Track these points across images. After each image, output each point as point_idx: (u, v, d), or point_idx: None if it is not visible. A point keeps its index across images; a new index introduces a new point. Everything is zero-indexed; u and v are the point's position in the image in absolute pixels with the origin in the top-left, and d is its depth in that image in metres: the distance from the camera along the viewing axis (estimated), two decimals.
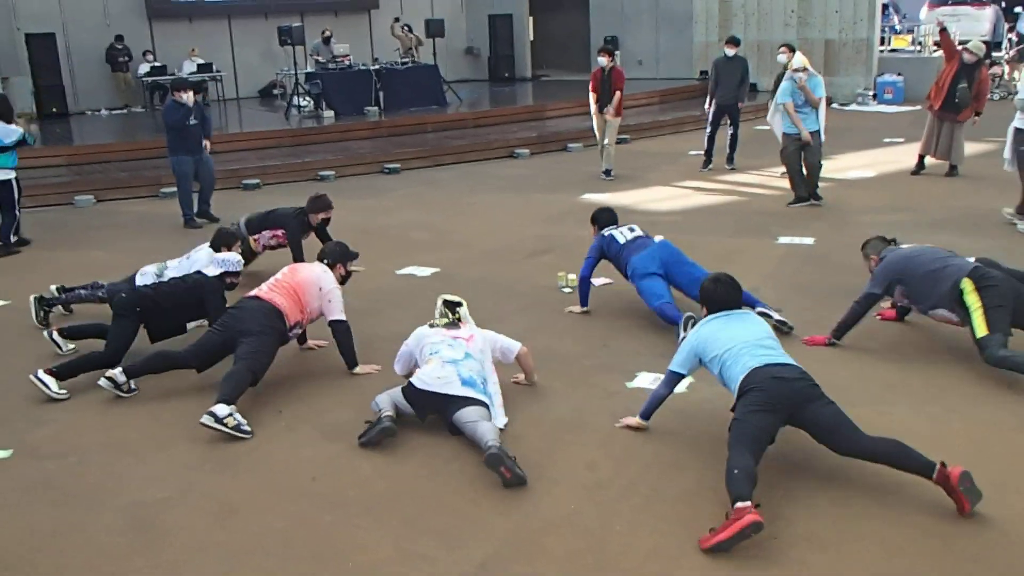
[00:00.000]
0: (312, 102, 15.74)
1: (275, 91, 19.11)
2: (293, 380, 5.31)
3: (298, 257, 6.97)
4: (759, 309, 5.46)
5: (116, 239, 9.11)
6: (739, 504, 3.42)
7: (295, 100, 16.02)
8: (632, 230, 6.28)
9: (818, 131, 9.29)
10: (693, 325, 4.60)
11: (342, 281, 5.45)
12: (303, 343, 5.78)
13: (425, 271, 7.48)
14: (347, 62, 16.32)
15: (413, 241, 8.58)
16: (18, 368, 5.49)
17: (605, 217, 6.43)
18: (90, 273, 7.11)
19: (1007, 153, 8.18)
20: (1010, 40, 22.62)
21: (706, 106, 11.68)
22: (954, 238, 7.05)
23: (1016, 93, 7.93)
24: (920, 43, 20.19)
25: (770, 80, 13.24)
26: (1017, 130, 7.95)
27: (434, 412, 4.51)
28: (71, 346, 5.75)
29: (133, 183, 11.40)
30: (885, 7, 22.53)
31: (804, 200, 9.30)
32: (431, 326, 4.88)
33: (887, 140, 13.38)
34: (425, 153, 13.01)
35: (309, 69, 16.38)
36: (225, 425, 4.50)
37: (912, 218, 8.54)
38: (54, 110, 16.62)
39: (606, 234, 6.25)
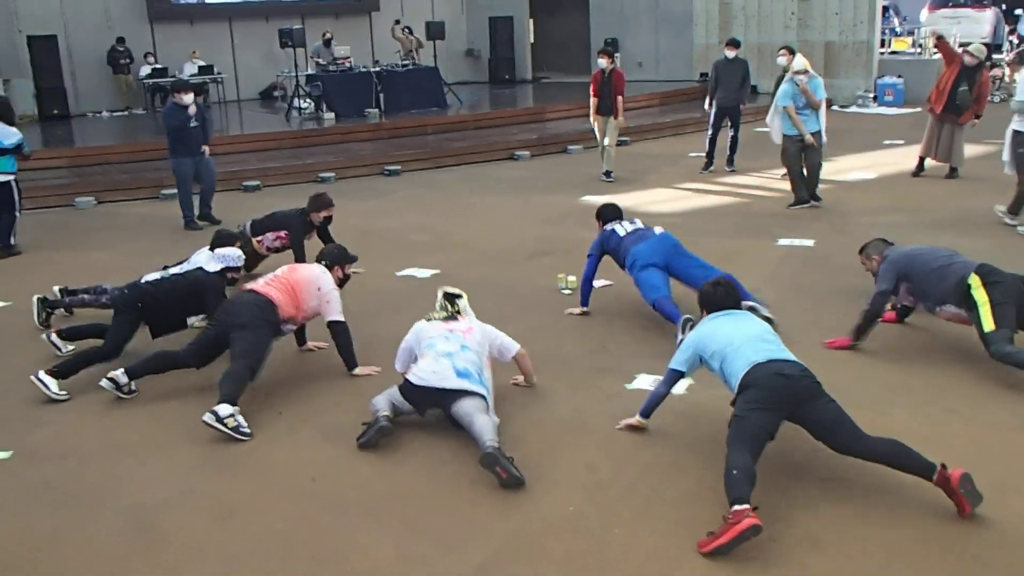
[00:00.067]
0: (313, 104, 15.76)
1: (276, 93, 19.14)
2: (293, 382, 5.31)
3: (300, 257, 6.97)
4: (747, 303, 5.47)
5: (117, 241, 9.11)
6: (736, 507, 3.41)
7: (296, 102, 16.03)
8: (632, 223, 6.27)
9: (819, 132, 9.30)
10: (692, 327, 4.60)
11: (341, 283, 5.45)
12: (302, 345, 5.78)
13: (425, 273, 7.49)
14: (348, 64, 16.34)
15: (413, 243, 8.58)
16: (18, 369, 5.49)
17: (609, 212, 6.42)
18: (91, 274, 7.12)
19: (1006, 156, 8.20)
20: (1011, 42, 22.64)
21: (705, 106, 11.70)
22: (954, 239, 7.05)
23: (1016, 95, 7.95)
24: (920, 45, 20.20)
25: (770, 82, 13.25)
26: (1015, 132, 7.97)
27: (433, 407, 4.51)
28: (70, 347, 5.75)
29: (134, 185, 11.41)
30: (885, 9, 22.54)
31: (804, 202, 9.31)
32: (429, 320, 4.88)
33: (887, 142, 13.38)
34: (425, 155, 13.02)
35: (310, 71, 16.39)
36: (225, 425, 4.50)
37: (912, 219, 8.54)
38: (55, 112, 16.66)
39: (607, 228, 6.24)
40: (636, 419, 4.43)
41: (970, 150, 10.84)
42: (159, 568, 3.53)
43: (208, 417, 4.51)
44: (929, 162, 10.67)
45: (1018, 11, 23.43)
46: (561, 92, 18.66)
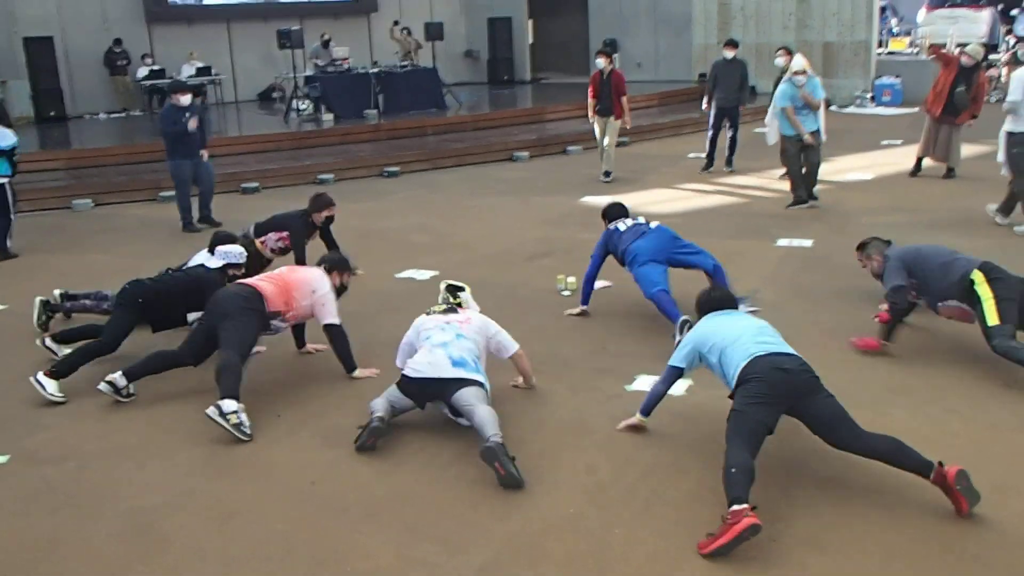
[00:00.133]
0: (311, 105, 15.75)
1: (274, 95, 19.13)
2: (293, 384, 5.31)
3: (300, 258, 6.98)
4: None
5: (115, 243, 9.10)
6: (735, 507, 3.40)
7: (294, 103, 16.03)
8: (635, 220, 6.28)
9: (818, 131, 9.30)
10: (689, 328, 4.60)
11: (339, 292, 5.41)
12: (302, 347, 5.77)
13: (425, 274, 7.48)
14: (346, 65, 16.34)
15: (413, 244, 8.58)
16: (16, 372, 5.49)
17: (614, 211, 6.43)
18: (89, 277, 7.12)
19: (1001, 157, 8.21)
20: (1007, 43, 22.64)
21: (703, 106, 11.72)
22: (952, 239, 7.04)
23: (1009, 96, 7.96)
24: (918, 46, 20.21)
25: (769, 82, 13.24)
26: (1008, 133, 7.99)
27: (432, 399, 4.50)
28: (66, 351, 5.73)
29: (132, 187, 11.39)
30: (883, 9, 22.55)
31: (803, 202, 9.31)
32: (429, 313, 4.88)
33: (885, 142, 13.39)
34: (425, 156, 13.01)
35: (308, 72, 16.39)
36: (228, 421, 4.48)
37: (911, 219, 8.54)
38: (52, 114, 16.63)
39: (610, 227, 6.25)
40: (636, 418, 4.43)
41: (968, 150, 10.86)
42: (159, 570, 3.52)
43: (211, 411, 4.50)
44: (927, 162, 10.68)
45: (1014, 11, 23.43)
46: (560, 93, 18.65)
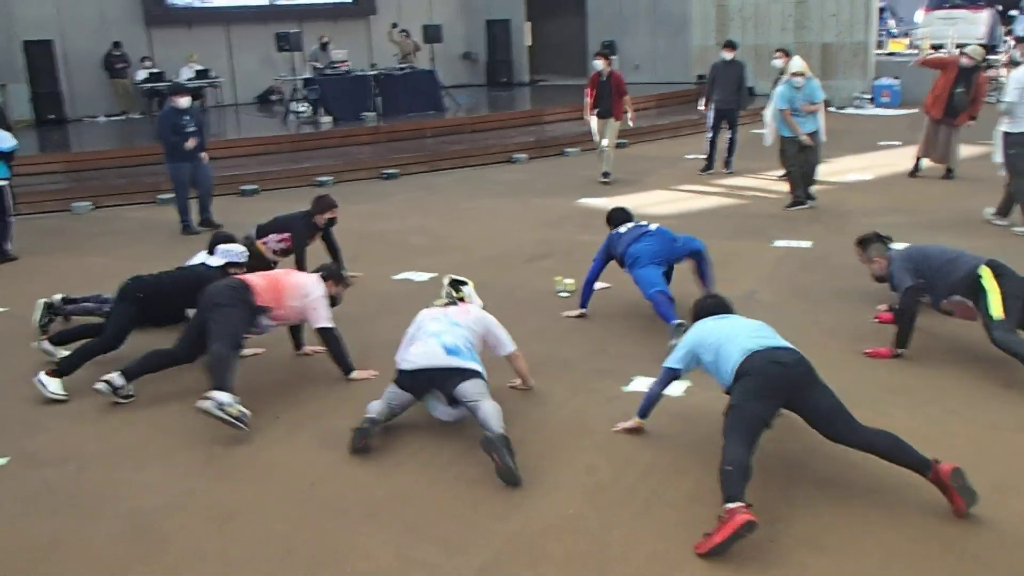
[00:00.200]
0: (310, 108, 15.76)
1: (273, 97, 19.14)
2: (291, 386, 5.31)
3: (300, 259, 6.99)
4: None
5: (115, 245, 9.11)
6: (730, 505, 3.40)
7: (293, 106, 16.03)
8: (636, 222, 6.30)
9: (817, 131, 9.31)
10: (684, 331, 4.61)
11: (332, 303, 5.38)
12: (300, 349, 5.77)
13: (423, 276, 7.48)
14: (345, 68, 16.35)
15: (411, 246, 8.58)
16: (16, 374, 5.49)
17: (618, 216, 6.44)
18: (89, 280, 7.12)
19: (999, 158, 8.22)
20: (1007, 43, 22.66)
21: (700, 107, 11.73)
22: (952, 240, 7.04)
23: (1005, 96, 7.97)
24: (917, 47, 20.22)
25: (767, 84, 13.26)
26: (1005, 134, 8.00)
27: (428, 389, 4.49)
28: (63, 352, 5.72)
29: (131, 189, 11.40)
30: (881, 11, 22.58)
31: (802, 203, 9.32)
32: (429, 307, 4.89)
33: (884, 143, 13.41)
34: (423, 158, 13.02)
35: (307, 75, 16.40)
36: (228, 413, 4.44)
37: (910, 220, 8.55)
38: (51, 117, 16.65)
39: (613, 231, 6.26)
40: (634, 420, 4.43)
41: (967, 151, 10.87)
42: (159, 571, 3.52)
43: (208, 404, 4.44)
44: (926, 162, 10.69)
45: (1013, 12, 23.47)
46: (558, 95, 18.67)
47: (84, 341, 5.46)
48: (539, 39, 22.19)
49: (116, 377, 4.99)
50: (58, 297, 6.45)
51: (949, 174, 10.50)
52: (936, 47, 20.41)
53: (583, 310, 6.25)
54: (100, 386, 4.96)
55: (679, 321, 5.39)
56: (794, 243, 8.00)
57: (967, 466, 3.64)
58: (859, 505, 3.74)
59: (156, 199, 11.00)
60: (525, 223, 9.34)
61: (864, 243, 5.72)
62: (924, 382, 4.96)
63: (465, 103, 17.42)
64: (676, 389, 4.56)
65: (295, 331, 5.71)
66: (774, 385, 3.81)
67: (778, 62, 10.91)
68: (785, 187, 9.71)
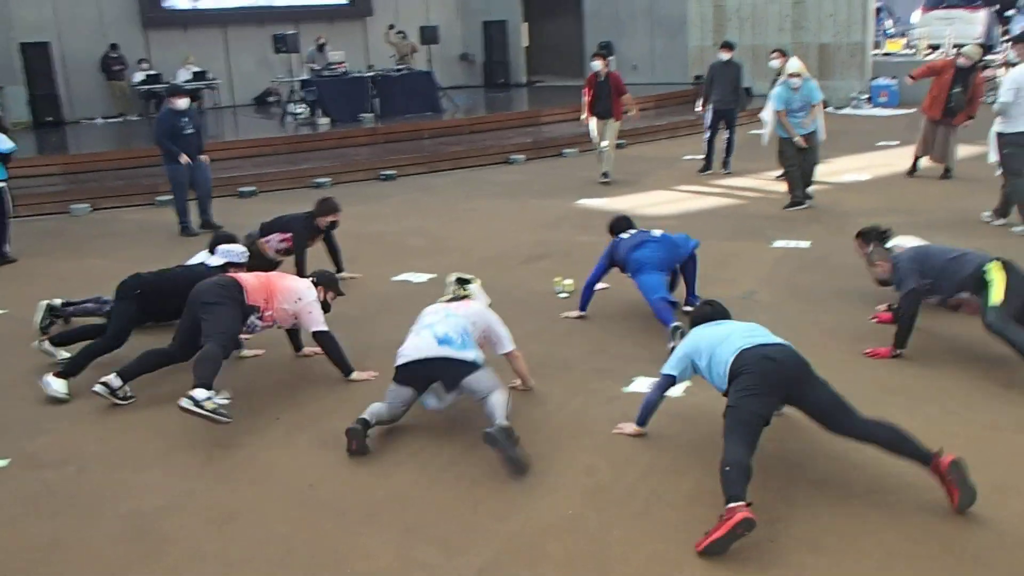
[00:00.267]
0: (308, 109, 15.76)
1: (270, 98, 19.13)
2: (290, 387, 5.31)
3: (300, 260, 7.00)
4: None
5: (114, 247, 9.10)
6: (731, 504, 3.41)
7: (290, 107, 16.03)
8: (638, 229, 6.31)
9: (815, 131, 9.31)
10: (682, 334, 4.61)
11: (324, 308, 5.37)
12: (299, 350, 5.77)
13: (421, 277, 7.48)
14: (342, 69, 16.35)
15: (409, 247, 8.58)
16: (16, 376, 5.49)
17: (620, 224, 6.44)
18: (88, 281, 7.11)
19: (993, 158, 8.23)
20: (1004, 43, 22.69)
21: (697, 108, 11.74)
22: (950, 239, 7.05)
23: (999, 97, 7.98)
24: (914, 47, 20.24)
25: (765, 84, 13.27)
26: (999, 134, 8.01)
27: (431, 382, 4.48)
28: (64, 353, 5.73)
29: (129, 191, 11.40)
30: (878, 11, 22.60)
31: (800, 204, 9.32)
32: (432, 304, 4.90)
33: (881, 143, 13.42)
34: (421, 159, 13.02)
35: (304, 76, 16.40)
36: (204, 408, 4.41)
37: (908, 220, 8.54)
38: (49, 119, 16.64)
39: (615, 238, 6.27)
40: (633, 428, 4.43)
41: (964, 151, 10.88)
42: (159, 572, 3.52)
43: (185, 402, 4.43)
44: (924, 162, 10.70)
45: (1010, 12, 23.49)
46: (556, 96, 18.68)
47: (87, 342, 5.45)
48: (536, 40, 22.19)
49: (113, 378, 4.99)
50: (58, 301, 6.46)
51: (947, 174, 10.52)
52: (933, 47, 20.46)
53: (582, 312, 6.26)
54: (98, 388, 4.97)
55: (677, 323, 5.40)
56: (793, 243, 8.01)
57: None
58: (858, 505, 3.74)
59: (154, 201, 11.00)
60: (523, 224, 9.34)
61: (864, 236, 5.72)
62: (924, 382, 4.97)
63: (462, 104, 17.43)
64: (676, 389, 4.56)
65: (293, 333, 5.70)
66: (770, 381, 3.81)
67: (775, 63, 10.92)
68: (783, 187, 9.71)
